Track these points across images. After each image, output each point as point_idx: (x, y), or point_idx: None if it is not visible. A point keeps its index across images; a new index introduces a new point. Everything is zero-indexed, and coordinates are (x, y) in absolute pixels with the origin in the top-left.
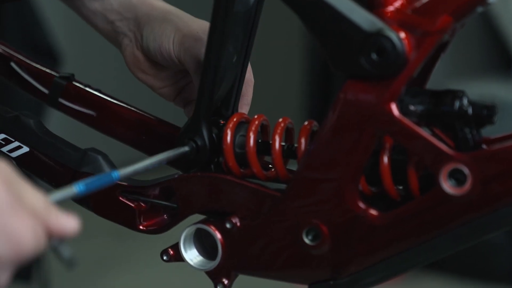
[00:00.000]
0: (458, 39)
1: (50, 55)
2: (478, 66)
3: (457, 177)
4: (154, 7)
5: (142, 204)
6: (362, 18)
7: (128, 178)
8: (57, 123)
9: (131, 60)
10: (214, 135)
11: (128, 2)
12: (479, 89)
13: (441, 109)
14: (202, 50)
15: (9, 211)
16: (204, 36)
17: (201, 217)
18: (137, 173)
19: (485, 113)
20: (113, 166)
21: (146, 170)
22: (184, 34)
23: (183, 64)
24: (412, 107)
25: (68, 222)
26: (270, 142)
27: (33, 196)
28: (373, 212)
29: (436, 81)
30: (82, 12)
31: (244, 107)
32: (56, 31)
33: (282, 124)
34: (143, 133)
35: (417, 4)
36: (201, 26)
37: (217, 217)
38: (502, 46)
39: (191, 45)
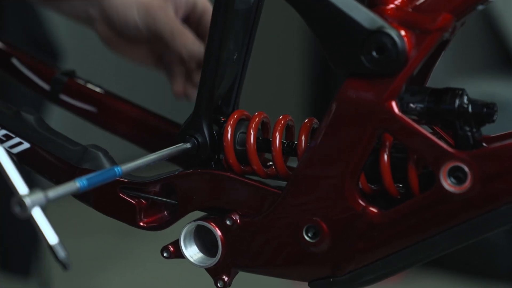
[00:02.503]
0: (459, 37)
1: (51, 51)
2: (478, 64)
3: (457, 175)
4: None
5: (142, 200)
6: (363, 15)
7: (129, 174)
8: (58, 119)
9: (105, 39)
10: (214, 132)
11: None
12: (480, 87)
13: (441, 107)
14: (168, 16)
15: None
16: (166, 3)
17: (201, 214)
18: (139, 169)
19: (485, 111)
20: (114, 163)
21: (148, 166)
22: (146, 6)
23: (154, 34)
24: (412, 105)
25: None
26: (271, 139)
27: None
28: (373, 209)
29: (437, 79)
30: (62, 8)
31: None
32: (57, 27)
33: (282, 122)
34: (144, 130)
35: (418, 2)
36: None
37: (217, 214)
38: (503, 44)
39: (157, 16)
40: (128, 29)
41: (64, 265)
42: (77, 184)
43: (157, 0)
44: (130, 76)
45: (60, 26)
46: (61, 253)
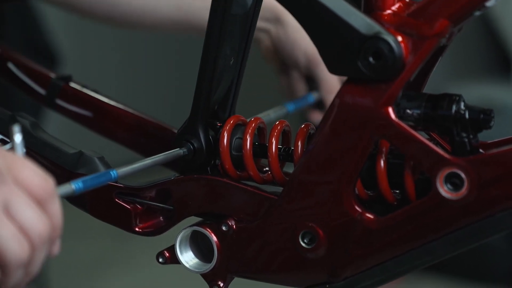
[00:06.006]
0: (458, 41)
1: (49, 56)
2: (477, 69)
3: (454, 182)
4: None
5: (138, 206)
6: (360, 21)
7: (125, 178)
8: (55, 124)
9: (265, 50)
10: (210, 137)
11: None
12: (478, 92)
13: (438, 113)
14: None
15: None
16: None
17: (197, 219)
18: (134, 173)
19: (482, 117)
20: (109, 168)
21: (144, 170)
22: (312, 55)
23: (307, 72)
24: (409, 111)
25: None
26: (267, 144)
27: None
28: (370, 215)
29: (435, 83)
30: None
31: None
32: (55, 32)
33: (278, 127)
34: (140, 135)
35: (415, 8)
36: None
37: (213, 220)
38: (502, 49)
39: (320, 66)
40: (289, 60)
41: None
42: (73, 186)
43: None
44: (127, 81)
45: (59, 31)
46: None
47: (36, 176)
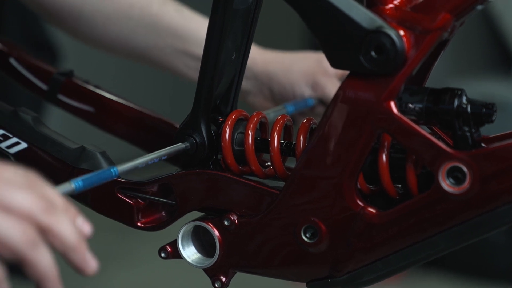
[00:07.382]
0: (459, 37)
1: (49, 51)
2: (478, 65)
3: (456, 176)
4: (267, 62)
5: (140, 201)
6: (361, 15)
7: (126, 174)
8: (57, 119)
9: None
10: (212, 132)
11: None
12: (480, 88)
13: (440, 107)
14: (334, 83)
15: None
16: (327, 70)
17: (199, 214)
18: (136, 169)
19: (484, 111)
20: (111, 163)
21: (145, 166)
22: (314, 79)
23: (317, 98)
24: (411, 105)
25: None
26: (269, 139)
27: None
28: (372, 210)
29: (437, 79)
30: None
31: None
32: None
33: (280, 122)
34: (141, 130)
35: (417, 2)
36: (317, 58)
37: (215, 215)
38: (503, 45)
39: (327, 86)
40: (294, 98)
41: None
42: (73, 185)
43: (319, 68)
44: (129, 76)
45: None
46: None
47: (16, 173)
